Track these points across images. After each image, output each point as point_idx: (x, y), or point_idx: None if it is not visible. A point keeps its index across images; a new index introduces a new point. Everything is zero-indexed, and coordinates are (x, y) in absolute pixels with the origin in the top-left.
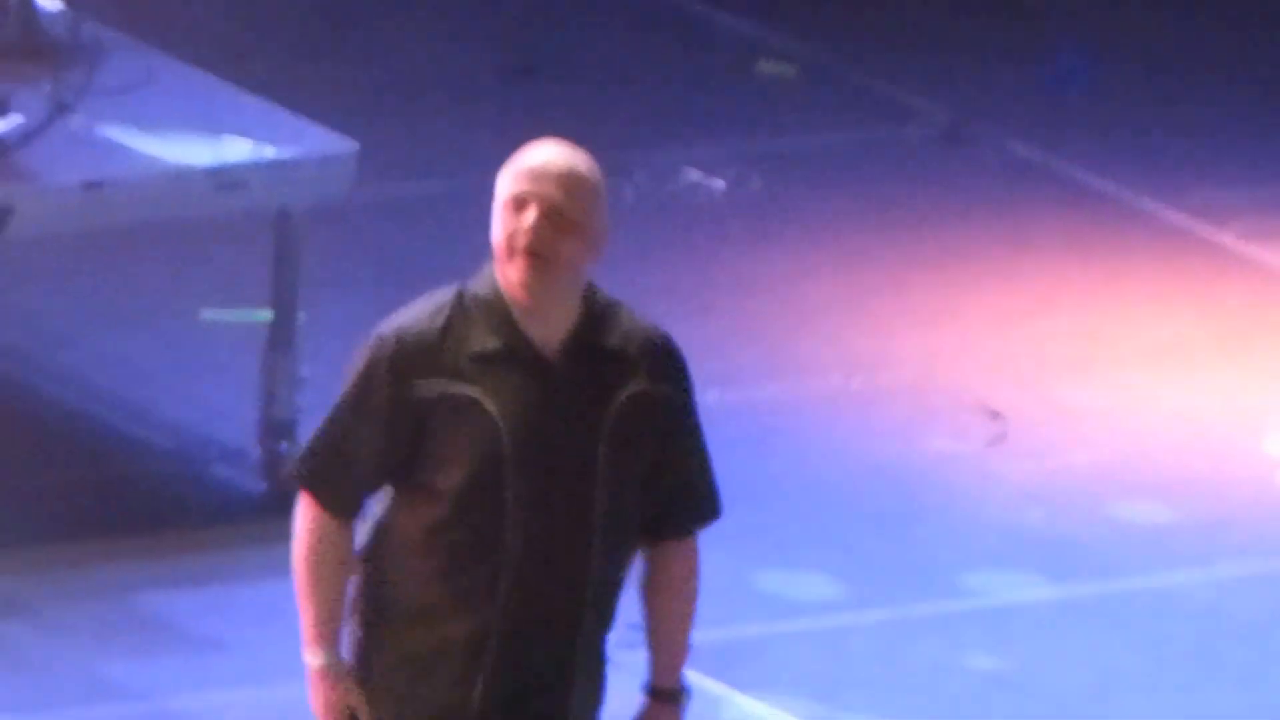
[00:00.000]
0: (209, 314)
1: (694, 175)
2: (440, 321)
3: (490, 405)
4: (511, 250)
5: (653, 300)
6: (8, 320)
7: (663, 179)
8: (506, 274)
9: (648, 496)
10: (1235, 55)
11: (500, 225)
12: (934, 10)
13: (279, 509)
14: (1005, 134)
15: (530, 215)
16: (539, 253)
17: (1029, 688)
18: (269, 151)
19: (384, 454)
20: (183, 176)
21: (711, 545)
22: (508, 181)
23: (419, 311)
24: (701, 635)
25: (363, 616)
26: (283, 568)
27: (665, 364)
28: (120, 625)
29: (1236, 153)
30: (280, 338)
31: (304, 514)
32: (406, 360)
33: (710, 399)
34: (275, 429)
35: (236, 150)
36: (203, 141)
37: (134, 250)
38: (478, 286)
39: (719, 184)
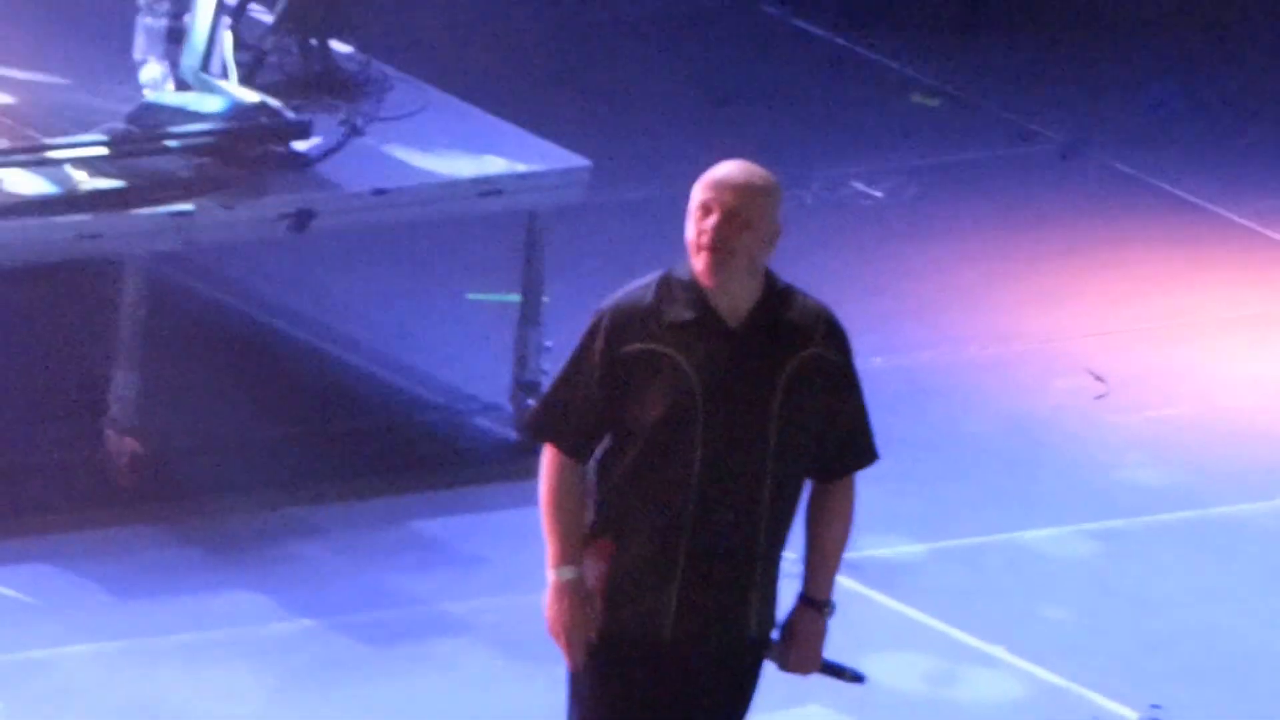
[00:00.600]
0: (473, 296)
1: (859, 185)
2: (648, 297)
3: (684, 362)
4: (698, 246)
5: (829, 284)
6: (311, 300)
7: (834, 188)
8: (695, 264)
9: (818, 444)
10: None
11: (691, 226)
12: (1051, 50)
13: (527, 453)
14: (1108, 152)
15: (711, 218)
16: (717, 247)
17: (1135, 597)
18: (520, 166)
19: (601, 402)
20: (452, 185)
21: (873, 481)
22: (696, 192)
23: (631, 289)
24: (866, 554)
25: (587, 541)
26: (529, 500)
27: (831, 334)
28: (399, 546)
29: None
30: (529, 314)
31: (544, 459)
32: (619, 328)
33: (875, 364)
34: (525, 388)
35: (494, 165)
36: (467, 158)
37: (412, 243)
38: (679, 271)
39: (878, 193)
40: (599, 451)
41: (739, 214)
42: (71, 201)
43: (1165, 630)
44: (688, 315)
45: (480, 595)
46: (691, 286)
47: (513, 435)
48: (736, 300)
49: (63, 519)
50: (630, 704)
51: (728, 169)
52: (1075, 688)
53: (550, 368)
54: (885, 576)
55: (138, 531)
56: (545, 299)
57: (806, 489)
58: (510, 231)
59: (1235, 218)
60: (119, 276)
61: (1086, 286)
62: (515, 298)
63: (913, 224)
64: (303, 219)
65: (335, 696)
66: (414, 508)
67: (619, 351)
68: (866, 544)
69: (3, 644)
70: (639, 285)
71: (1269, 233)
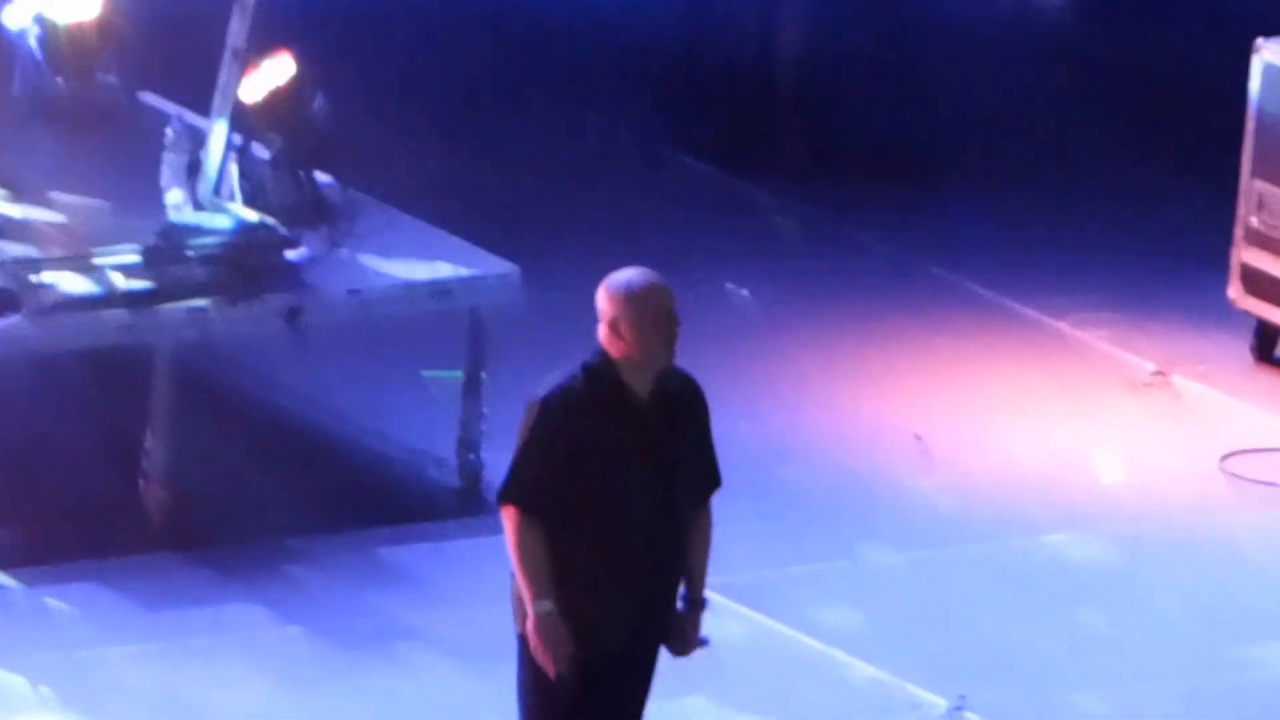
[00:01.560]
0: (426, 373)
1: (730, 286)
2: (579, 385)
3: (623, 435)
4: (657, 347)
5: (707, 363)
6: (297, 379)
7: (710, 290)
8: (649, 357)
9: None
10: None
11: (644, 330)
12: (883, 183)
13: (469, 497)
14: (926, 259)
15: (670, 326)
16: (670, 350)
17: (942, 609)
18: (464, 271)
19: (561, 471)
20: (411, 287)
21: (734, 521)
22: (650, 302)
23: (563, 379)
24: (732, 576)
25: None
26: (472, 533)
27: (697, 391)
28: (370, 569)
29: (1078, 267)
30: (470, 388)
31: (512, 520)
32: (570, 410)
33: (740, 428)
34: (466, 445)
35: (444, 270)
36: (423, 264)
37: (379, 333)
38: (594, 363)
39: (744, 291)
40: (551, 521)
41: (675, 322)
42: (111, 300)
43: (969, 636)
44: (616, 399)
45: (435, 607)
46: (608, 373)
47: (456, 482)
48: (645, 382)
49: (107, 548)
50: (591, 708)
51: (650, 276)
52: (898, 681)
53: (488, 430)
54: (749, 594)
55: (166, 558)
56: (484, 376)
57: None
58: (456, 324)
59: (1024, 311)
60: (151, 361)
61: (905, 367)
62: (459, 375)
63: (770, 317)
64: (293, 314)
65: (322, 686)
66: (381, 539)
67: (574, 430)
68: (733, 567)
69: (56, 645)
70: (566, 376)
71: (1050, 322)
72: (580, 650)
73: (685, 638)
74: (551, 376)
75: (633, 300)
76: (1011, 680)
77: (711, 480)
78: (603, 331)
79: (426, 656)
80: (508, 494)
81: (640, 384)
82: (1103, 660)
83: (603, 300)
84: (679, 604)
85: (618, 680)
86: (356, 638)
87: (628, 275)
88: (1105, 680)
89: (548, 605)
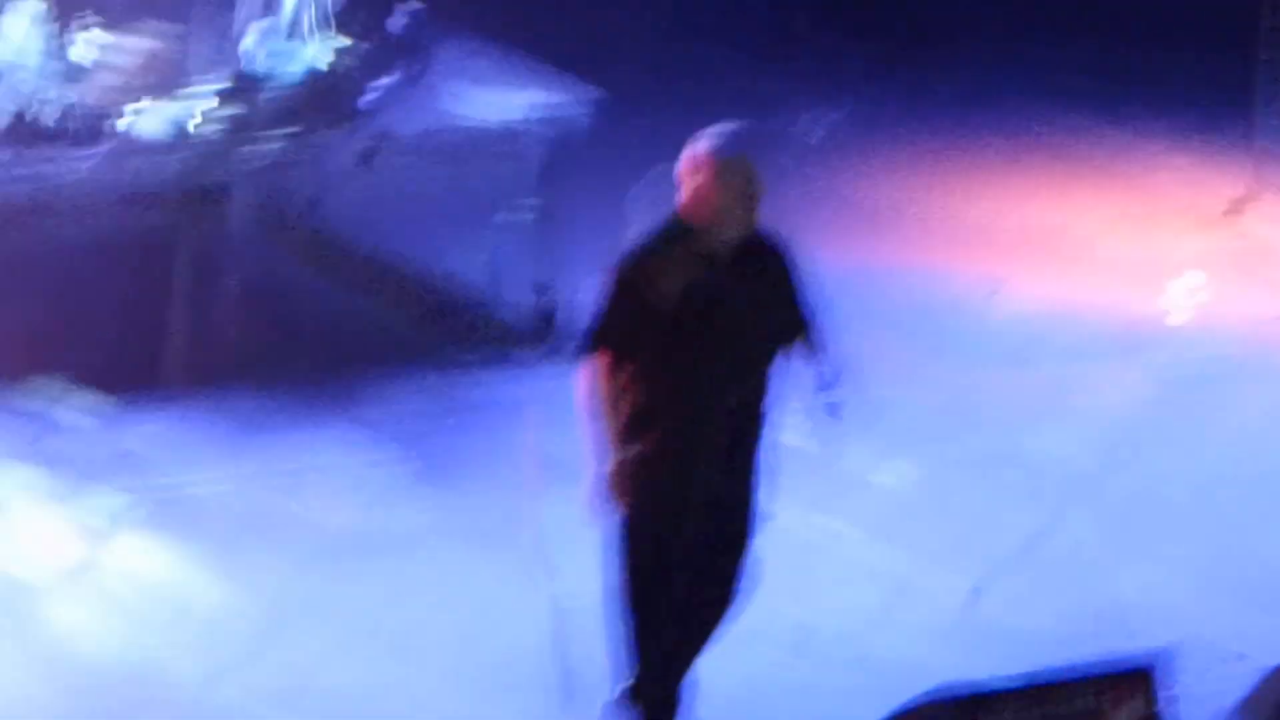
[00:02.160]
0: (502, 212)
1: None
2: (661, 246)
3: (698, 296)
4: (725, 210)
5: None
6: (382, 217)
7: (790, 123)
8: (714, 220)
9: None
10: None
11: (714, 192)
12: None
13: (544, 334)
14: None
15: (744, 193)
16: (747, 221)
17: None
18: (540, 104)
19: (629, 323)
20: (482, 128)
21: None
22: (716, 166)
23: (645, 239)
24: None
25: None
26: (538, 370)
27: (784, 246)
28: (440, 401)
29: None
30: (544, 224)
31: (586, 367)
32: (646, 270)
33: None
34: (539, 287)
35: (519, 104)
36: (500, 98)
37: (455, 171)
38: (679, 221)
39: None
40: (630, 371)
41: (757, 193)
42: (189, 140)
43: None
44: (699, 260)
45: (512, 433)
46: (698, 235)
47: (531, 318)
48: (729, 241)
49: (189, 380)
50: (652, 560)
51: (736, 143)
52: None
53: (560, 274)
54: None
55: (246, 391)
56: (556, 211)
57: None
58: (529, 162)
59: (1108, 134)
60: (228, 200)
61: (980, 203)
62: (534, 209)
63: (855, 151)
64: (368, 155)
65: (403, 508)
66: (457, 372)
67: (649, 291)
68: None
69: (138, 474)
70: (650, 235)
71: (1123, 159)
72: (661, 498)
73: (829, 407)
74: (640, 234)
75: (716, 169)
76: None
77: (814, 323)
78: (685, 192)
79: (502, 477)
80: (581, 345)
81: (719, 243)
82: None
83: (688, 162)
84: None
85: (706, 534)
86: (433, 463)
87: (715, 139)
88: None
89: (604, 461)
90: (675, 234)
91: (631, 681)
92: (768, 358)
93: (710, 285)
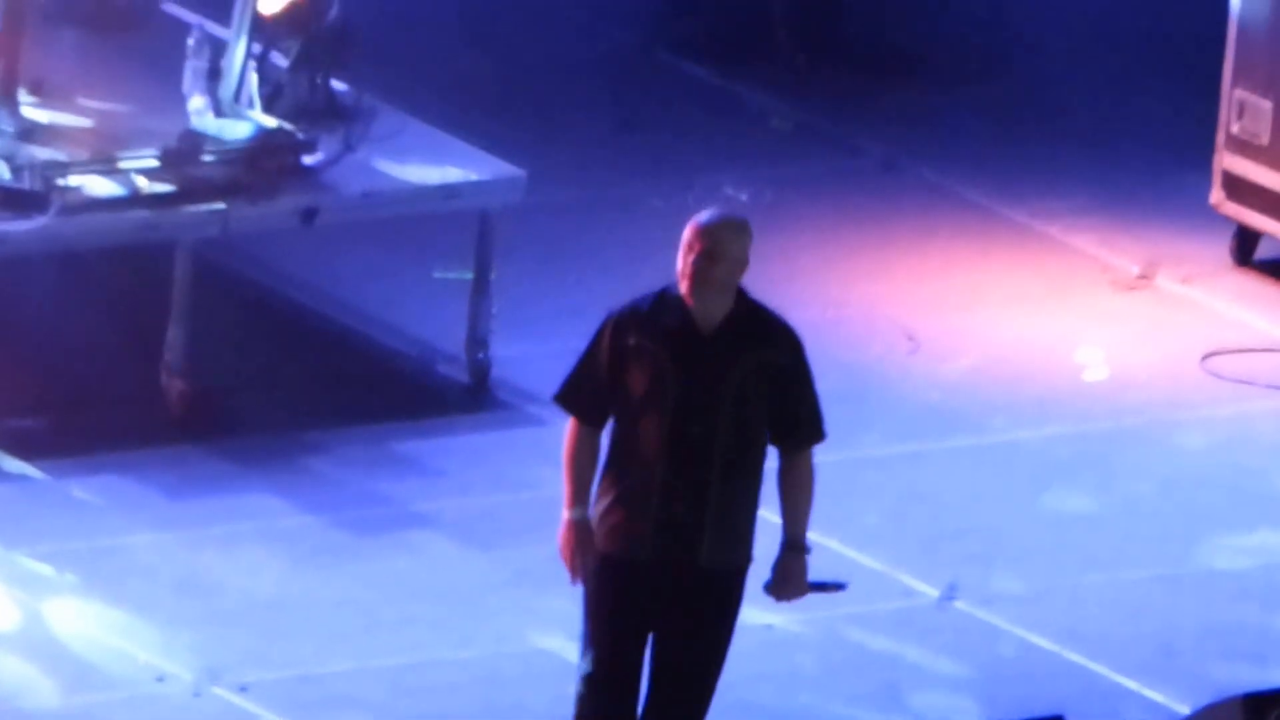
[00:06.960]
0: (438, 273)
1: (729, 190)
2: (646, 306)
3: (664, 354)
4: (682, 275)
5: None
6: (317, 276)
7: (710, 192)
8: (681, 287)
9: (771, 424)
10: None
11: (680, 258)
12: (876, 86)
13: (477, 394)
14: (919, 164)
15: (692, 255)
16: (694, 277)
17: (933, 500)
18: (473, 175)
19: (607, 381)
20: (422, 190)
21: None
22: (685, 232)
23: (636, 299)
24: None
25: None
26: (479, 428)
27: (781, 341)
28: (381, 460)
29: (1065, 172)
30: (480, 287)
31: (569, 425)
32: (623, 325)
33: None
34: (476, 343)
35: (454, 174)
36: (434, 169)
37: (392, 234)
38: (672, 289)
39: (743, 196)
40: (595, 431)
41: (711, 252)
42: (136, 201)
43: (956, 526)
44: (672, 323)
45: (442, 498)
46: (678, 301)
47: (466, 378)
48: (710, 313)
49: (128, 439)
50: (617, 610)
51: (708, 214)
52: (890, 570)
53: (496, 329)
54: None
55: (184, 449)
56: (492, 275)
57: (757, 467)
58: (465, 224)
59: (1014, 215)
60: (172, 258)
61: (898, 268)
62: (469, 274)
63: (769, 219)
64: (309, 214)
65: (333, 572)
66: (392, 432)
67: (621, 343)
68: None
69: (79, 534)
70: (641, 296)
71: (1039, 226)
72: (614, 559)
73: (785, 580)
74: (634, 297)
75: (689, 234)
76: (1000, 569)
77: (807, 432)
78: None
79: (435, 542)
80: (561, 400)
81: (703, 317)
82: (1088, 547)
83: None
84: (778, 550)
85: (653, 597)
86: (368, 525)
87: (707, 212)
88: (1091, 566)
89: (578, 513)
90: (663, 302)
91: None
92: (735, 446)
93: (682, 357)
